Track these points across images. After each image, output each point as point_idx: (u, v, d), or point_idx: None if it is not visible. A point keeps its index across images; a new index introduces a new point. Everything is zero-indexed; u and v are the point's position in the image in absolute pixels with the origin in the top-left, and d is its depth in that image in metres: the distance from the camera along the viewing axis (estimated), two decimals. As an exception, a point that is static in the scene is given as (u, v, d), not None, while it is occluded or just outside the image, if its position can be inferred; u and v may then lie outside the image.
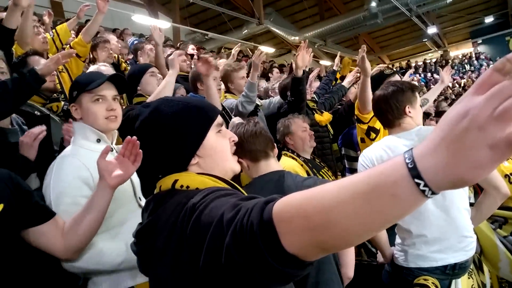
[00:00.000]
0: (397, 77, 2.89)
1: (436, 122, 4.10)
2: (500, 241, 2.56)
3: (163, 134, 0.98)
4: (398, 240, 1.90)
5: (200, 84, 2.88)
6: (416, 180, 0.47)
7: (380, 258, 2.05)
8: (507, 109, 0.41)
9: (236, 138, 1.10)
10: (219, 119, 1.05)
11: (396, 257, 1.86)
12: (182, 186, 0.93)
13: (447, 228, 1.73)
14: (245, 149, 1.66)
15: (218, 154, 1.03)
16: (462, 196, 1.77)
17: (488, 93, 0.43)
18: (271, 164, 1.71)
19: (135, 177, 1.68)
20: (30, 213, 1.32)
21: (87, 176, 1.48)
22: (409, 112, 1.88)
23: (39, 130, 1.82)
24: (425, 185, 0.47)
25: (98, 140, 1.60)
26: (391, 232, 1.93)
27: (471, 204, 1.97)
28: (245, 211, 0.65)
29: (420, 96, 2.06)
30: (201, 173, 0.98)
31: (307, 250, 0.58)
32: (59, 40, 3.53)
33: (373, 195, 0.50)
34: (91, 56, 3.94)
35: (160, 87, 2.22)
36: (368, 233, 0.56)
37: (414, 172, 0.47)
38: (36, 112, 2.28)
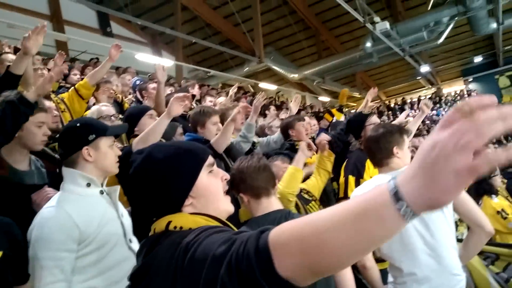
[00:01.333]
0: (375, 118, 3.07)
1: None
2: (493, 277, 2.60)
3: (156, 179, 1.01)
4: (390, 278, 1.96)
5: (200, 127, 2.92)
6: (399, 203, 0.54)
7: (374, 296, 2.09)
8: (466, 142, 0.50)
9: (228, 177, 1.14)
10: (210, 159, 1.09)
11: (389, 295, 1.92)
12: (175, 227, 0.95)
13: (436, 267, 1.79)
14: (247, 184, 1.65)
15: (211, 194, 1.05)
16: (448, 235, 1.84)
17: (451, 129, 0.52)
18: (273, 202, 1.71)
19: (126, 219, 1.68)
20: (23, 268, 1.33)
21: (72, 228, 1.45)
22: (397, 153, 2.00)
23: (51, 193, 1.82)
24: (406, 207, 0.53)
25: (88, 184, 1.61)
26: (384, 270, 2.00)
27: (461, 241, 2.05)
28: (240, 242, 0.69)
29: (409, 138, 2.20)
30: (194, 213, 1.01)
31: (300, 273, 0.62)
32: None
33: (362, 217, 0.56)
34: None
35: (148, 128, 2.18)
36: (357, 254, 0.61)
37: (396, 196, 0.54)
38: (56, 155, 2.32)
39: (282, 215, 1.63)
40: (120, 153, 1.73)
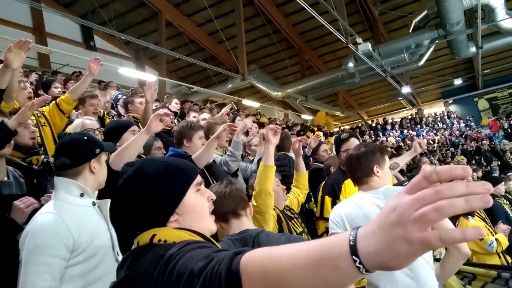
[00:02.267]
0: (352, 141, 3.07)
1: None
2: (470, 297, 2.62)
3: (144, 193, 1.03)
4: (368, 297, 1.95)
5: (186, 141, 2.92)
6: (354, 257, 0.55)
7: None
8: (423, 214, 0.49)
9: (214, 197, 1.17)
10: (199, 178, 1.11)
11: (367, 314, 1.90)
12: (160, 240, 0.97)
13: (413, 286, 1.79)
14: (215, 211, 1.70)
15: (196, 212, 1.08)
16: (426, 254, 1.84)
17: (413, 195, 0.51)
18: (244, 223, 1.74)
19: (114, 232, 1.71)
20: None
21: (67, 236, 1.48)
22: (377, 172, 2.02)
23: (34, 201, 1.87)
24: (360, 263, 0.54)
25: (82, 195, 1.66)
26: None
27: (439, 260, 2.05)
28: (216, 261, 0.72)
29: (390, 159, 2.22)
30: (178, 228, 1.02)
31: None
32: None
33: (321, 263, 0.58)
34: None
35: (126, 143, 2.16)
36: None
37: (353, 250, 0.55)
38: (34, 166, 2.29)
39: (252, 234, 1.66)
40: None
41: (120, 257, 1.63)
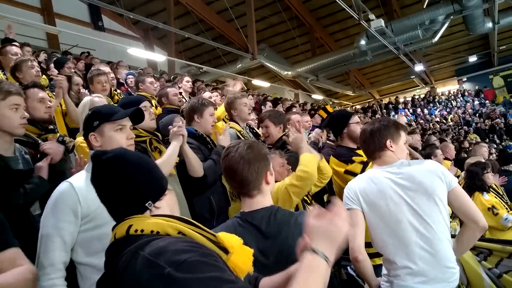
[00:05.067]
0: (356, 117, 3.06)
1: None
2: (485, 273, 2.60)
3: (129, 171, 1.04)
4: (384, 271, 1.94)
5: (197, 116, 2.90)
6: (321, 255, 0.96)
7: (367, 289, 2.07)
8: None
9: None
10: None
11: (382, 288, 1.89)
12: (136, 230, 0.95)
13: (431, 260, 1.77)
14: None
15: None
16: (443, 228, 1.82)
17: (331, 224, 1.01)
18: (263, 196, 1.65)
19: None
20: None
21: (74, 202, 1.54)
22: (391, 146, 1.97)
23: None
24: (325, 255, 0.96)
25: None
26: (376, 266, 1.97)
27: (454, 236, 2.03)
28: None
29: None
30: (155, 215, 1.01)
31: None
32: None
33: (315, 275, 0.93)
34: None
35: (164, 157, 2.34)
36: None
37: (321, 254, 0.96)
38: (39, 141, 2.31)
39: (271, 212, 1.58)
40: (133, 135, 1.80)
41: None
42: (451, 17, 12.37)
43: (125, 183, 1.02)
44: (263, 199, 1.59)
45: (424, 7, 12.52)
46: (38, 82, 2.77)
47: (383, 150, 1.98)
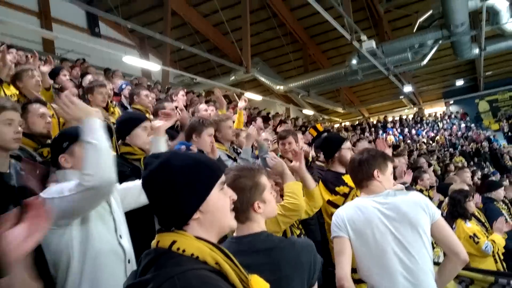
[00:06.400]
0: (348, 143, 3.19)
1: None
2: (468, 302, 2.68)
3: (170, 186, 1.01)
4: (368, 299, 2.00)
5: (195, 136, 2.92)
6: None
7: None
8: None
9: (235, 197, 1.15)
10: (223, 177, 1.11)
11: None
12: (178, 248, 0.97)
13: (414, 290, 1.84)
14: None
15: (219, 210, 1.08)
16: (426, 259, 1.89)
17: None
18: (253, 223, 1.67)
19: (117, 215, 1.79)
20: None
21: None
22: (378, 176, 2.06)
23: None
24: None
25: None
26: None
27: (438, 264, 2.11)
28: None
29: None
30: (199, 238, 1.01)
31: None
32: None
33: None
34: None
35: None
36: None
37: None
38: (38, 158, 2.33)
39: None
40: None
41: (123, 240, 1.74)
42: (440, 42, 12.75)
43: (169, 195, 1.01)
44: (253, 226, 1.54)
45: (414, 31, 12.87)
46: (40, 98, 2.81)
47: (371, 179, 2.07)
